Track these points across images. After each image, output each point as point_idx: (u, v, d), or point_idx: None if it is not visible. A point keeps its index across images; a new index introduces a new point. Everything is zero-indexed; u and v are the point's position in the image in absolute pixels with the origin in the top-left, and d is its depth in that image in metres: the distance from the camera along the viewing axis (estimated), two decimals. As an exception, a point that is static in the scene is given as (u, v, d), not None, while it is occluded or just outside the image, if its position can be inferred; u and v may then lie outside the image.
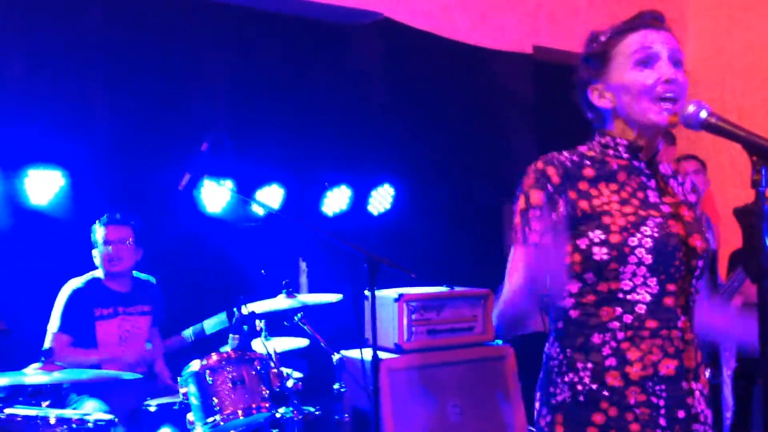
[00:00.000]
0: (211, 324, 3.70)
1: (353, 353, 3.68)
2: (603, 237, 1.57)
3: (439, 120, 5.13)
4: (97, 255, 3.63)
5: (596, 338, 1.59)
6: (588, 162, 1.66)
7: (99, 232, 3.62)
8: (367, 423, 3.62)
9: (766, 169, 1.43)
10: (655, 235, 1.58)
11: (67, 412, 2.85)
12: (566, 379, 1.61)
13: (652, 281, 1.58)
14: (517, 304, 1.62)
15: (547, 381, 1.65)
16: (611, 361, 1.57)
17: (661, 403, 1.57)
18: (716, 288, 3.23)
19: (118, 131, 4.06)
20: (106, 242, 3.60)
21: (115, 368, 3.48)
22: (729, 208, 4.48)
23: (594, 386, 1.58)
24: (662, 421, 1.57)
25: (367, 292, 3.37)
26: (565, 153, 1.68)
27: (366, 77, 4.98)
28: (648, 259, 1.56)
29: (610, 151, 1.67)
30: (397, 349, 3.91)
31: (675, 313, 1.60)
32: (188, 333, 3.75)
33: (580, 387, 1.59)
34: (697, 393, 1.61)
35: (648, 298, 1.58)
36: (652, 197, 1.65)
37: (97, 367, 3.44)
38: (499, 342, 4.15)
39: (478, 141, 5.27)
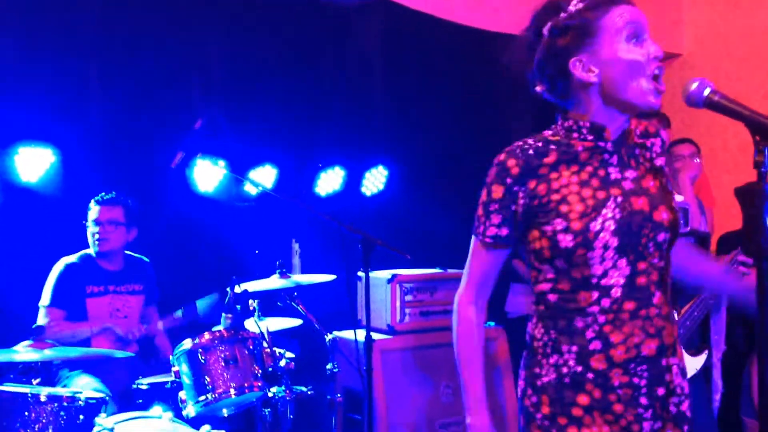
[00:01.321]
0: (203, 305, 3.67)
1: (346, 334, 3.68)
2: (565, 224, 1.57)
3: (435, 102, 5.11)
4: (88, 233, 3.62)
5: (579, 322, 1.60)
6: (553, 146, 1.63)
7: (92, 210, 3.61)
8: (359, 403, 3.62)
9: (767, 149, 1.42)
10: (617, 216, 1.57)
11: (59, 390, 2.83)
12: (551, 361, 1.62)
13: (622, 263, 1.58)
14: (463, 319, 1.78)
15: (532, 361, 1.66)
16: (596, 345, 1.58)
17: (643, 383, 1.59)
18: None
19: (111, 109, 4.02)
20: (95, 222, 3.59)
21: (106, 340, 3.48)
22: (722, 192, 4.48)
23: (579, 369, 1.59)
24: (643, 400, 1.59)
25: (360, 273, 3.37)
26: (530, 140, 1.65)
27: (362, 58, 4.94)
28: (614, 241, 1.56)
29: (575, 134, 1.63)
30: (390, 330, 3.92)
31: (649, 291, 1.60)
32: (179, 312, 3.73)
33: (565, 369, 1.60)
34: (675, 368, 1.63)
35: (621, 280, 1.58)
36: (614, 174, 1.62)
37: (88, 343, 3.44)
38: (491, 324, 4.16)
39: (474, 123, 5.25)
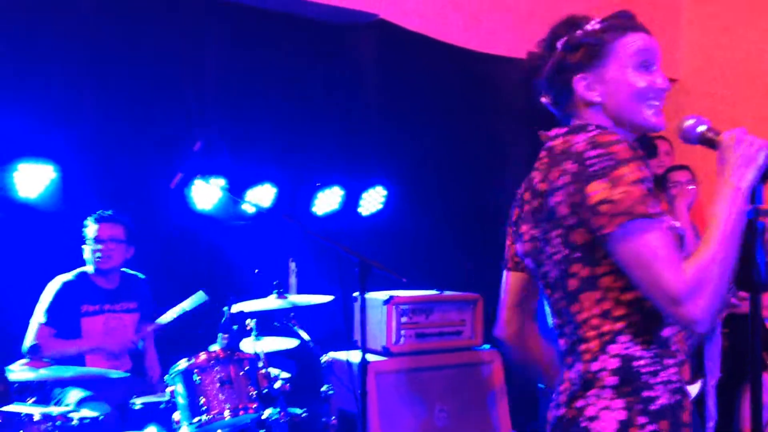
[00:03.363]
0: (189, 303, 3.62)
1: (341, 355, 3.68)
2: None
3: (433, 122, 5.14)
4: (86, 251, 3.61)
5: (667, 331, 1.47)
6: None
7: (91, 228, 3.60)
8: (353, 426, 3.61)
9: (760, 186, 1.45)
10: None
11: (52, 409, 2.83)
12: (660, 378, 1.44)
13: None
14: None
15: (637, 384, 1.42)
16: (682, 355, 1.50)
17: (686, 388, 1.53)
18: None
19: (111, 126, 4.04)
20: (97, 240, 3.58)
21: (99, 358, 3.47)
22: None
23: (680, 384, 1.48)
24: (687, 404, 1.52)
25: (356, 294, 3.38)
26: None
27: (360, 78, 4.98)
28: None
29: None
30: (385, 351, 3.92)
31: None
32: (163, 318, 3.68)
33: (672, 386, 1.46)
34: None
35: None
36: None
37: (82, 361, 3.43)
38: (487, 347, 4.17)
39: (471, 144, 5.28)
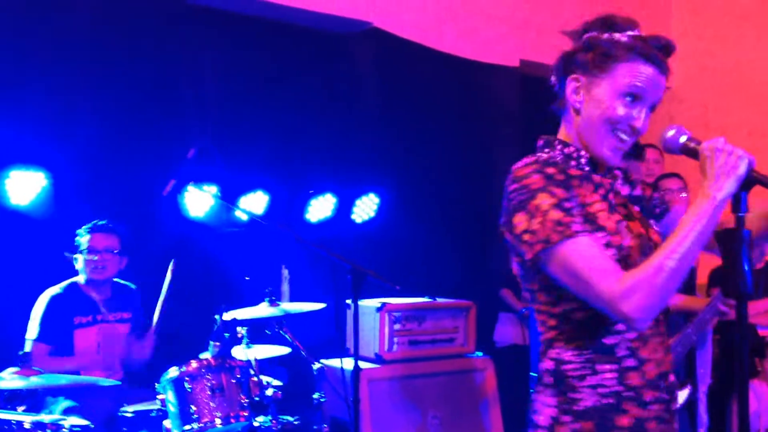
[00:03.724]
0: (165, 283, 3.64)
1: (334, 362, 3.67)
2: (607, 238, 1.52)
3: (426, 130, 5.15)
4: (80, 261, 3.59)
5: (609, 340, 1.55)
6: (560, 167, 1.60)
7: (84, 238, 3.58)
8: (346, 433, 3.61)
9: (744, 195, 1.46)
10: (634, 235, 1.56)
11: (43, 417, 2.81)
12: (588, 382, 1.55)
13: None
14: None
15: (564, 386, 1.56)
16: (630, 362, 1.55)
17: (666, 396, 1.59)
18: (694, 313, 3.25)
19: (103, 134, 4.03)
20: (91, 250, 3.56)
21: (93, 373, 3.45)
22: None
23: (618, 388, 1.54)
24: (667, 416, 1.59)
25: (349, 302, 3.37)
26: (540, 155, 1.61)
27: (354, 86, 4.99)
28: (639, 260, 1.53)
29: (572, 162, 1.61)
30: (378, 359, 3.91)
31: (667, 308, 1.63)
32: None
33: (604, 390, 1.54)
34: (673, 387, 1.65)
35: None
36: (612, 200, 1.61)
37: (75, 372, 3.41)
38: (480, 354, 4.17)
39: (464, 152, 5.30)
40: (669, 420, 1.60)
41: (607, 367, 1.54)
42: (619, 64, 1.55)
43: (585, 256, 1.47)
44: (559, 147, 1.62)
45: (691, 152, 1.52)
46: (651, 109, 1.59)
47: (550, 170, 1.52)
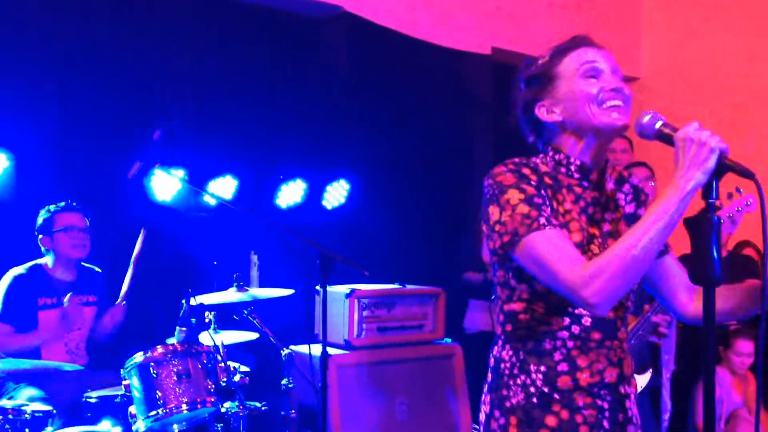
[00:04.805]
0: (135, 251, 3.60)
1: (302, 348, 3.66)
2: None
3: (398, 117, 5.13)
4: (57, 240, 3.52)
5: (547, 344, 1.63)
6: (545, 174, 1.66)
7: (58, 218, 3.51)
8: (314, 419, 3.60)
9: (716, 182, 1.47)
10: (598, 253, 1.60)
11: (5, 403, 2.75)
12: (519, 381, 1.64)
13: None
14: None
15: (499, 383, 1.67)
16: (563, 366, 1.62)
17: (605, 405, 1.64)
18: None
19: (68, 115, 3.95)
20: (69, 228, 3.51)
21: (56, 352, 3.39)
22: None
23: (546, 389, 1.62)
24: (606, 424, 1.64)
25: (318, 288, 3.35)
26: (526, 159, 1.66)
27: (326, 71, 4.95)
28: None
29: (563, 169, 1.66)
30: (347, 345, 3.90)
31: (615, 325, 1.67)
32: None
33: (533, 389, 1.63)
34: (632, 396, 1.70)
35: None
36: (597, 214, 1.67)
37: (38, 355, 3.35)
38: (448, 340, 4.18)
39: (435, 139, 5.29)
40: (611, 429, 1.64)
41: (539, 368, 1.62)
42: (558, 66, 1.65)
43: (550, 247, 1.53)
44: (551, 153, 1.69)
45: (665, 138, 1.52)
46: (621, 78, 1.65)
47: (526, 171, 1.61)
